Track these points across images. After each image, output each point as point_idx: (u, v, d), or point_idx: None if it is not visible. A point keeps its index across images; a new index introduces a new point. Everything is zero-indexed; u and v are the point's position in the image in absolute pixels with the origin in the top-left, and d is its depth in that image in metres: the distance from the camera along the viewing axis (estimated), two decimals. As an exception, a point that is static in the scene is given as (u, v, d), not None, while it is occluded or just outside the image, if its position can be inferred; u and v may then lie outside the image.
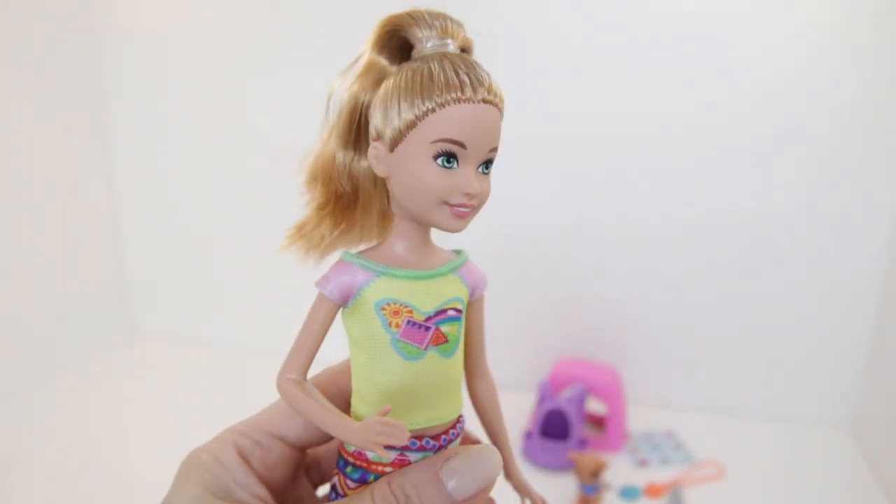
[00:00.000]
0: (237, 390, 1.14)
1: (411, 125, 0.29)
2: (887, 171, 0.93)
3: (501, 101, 0.30)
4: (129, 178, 1.27)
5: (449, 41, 0.30)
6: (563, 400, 0.93)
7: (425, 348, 0.30)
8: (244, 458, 0.32)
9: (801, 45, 0.92)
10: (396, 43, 0.31)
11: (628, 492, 0.87)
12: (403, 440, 0.27)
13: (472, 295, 0.33)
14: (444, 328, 0.31)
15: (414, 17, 0.30)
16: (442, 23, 0.30)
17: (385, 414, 0.27)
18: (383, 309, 0.30)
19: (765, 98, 0.95)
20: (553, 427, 0.94)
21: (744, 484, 0.90)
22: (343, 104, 0.31)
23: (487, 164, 0.30)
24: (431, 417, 0.31)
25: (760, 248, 1.00)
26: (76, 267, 1.21)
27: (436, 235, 0.33)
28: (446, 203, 0.30)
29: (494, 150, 0.31)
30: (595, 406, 1.02)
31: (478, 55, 0.33)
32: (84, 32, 1.17)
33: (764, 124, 0.96)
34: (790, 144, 0.96)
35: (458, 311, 0.32)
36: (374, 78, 0.31)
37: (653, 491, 0.87)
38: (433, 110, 0.28)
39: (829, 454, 0.97)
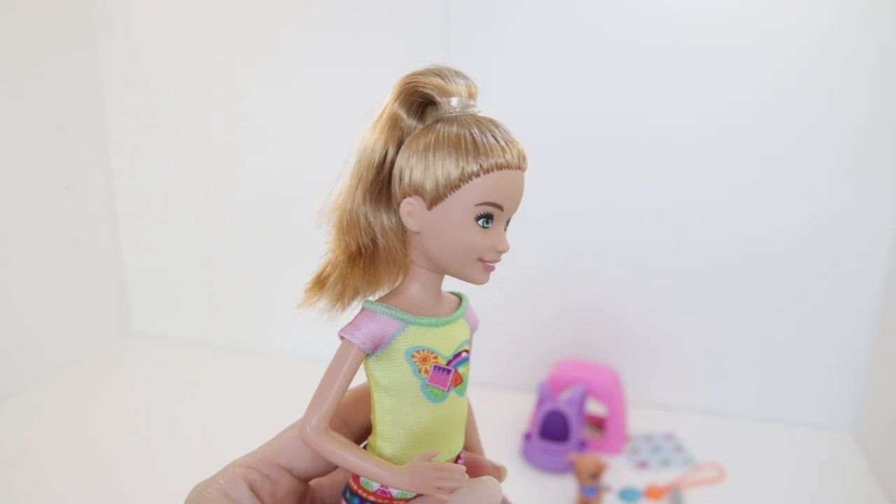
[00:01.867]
0: (233, 390, 1.15)
1: (455, 186, 0.30)
2: (888, 172, 0.93)
3: (527, 164, 0.32)
4: (126, 178, 1.27)
5: (472, 101, 0.32)
6: (563, 401, 0.93)
7: (447, 390, 0.32)
8: (255, 493, 0.31)
9: (802, 47, 0.92)
10: (419, 98, 0.32)
11: (628, 494, 0.86)
12: (463, 482, 0.29)
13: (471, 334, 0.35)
14: (461, 369, 0.33)
15: (439, 74, 0.31)
16: (465, 82, 0.32)
17: (432, 457, 0.29)
18: (413, 356, 0.32)
19: (765, 100, 0.95)
20: (553, 428, 0.93)
21: (744, 486, 0.89)
22: (373, 159, 0.32)
23: (508, 221, 0.33)
24: (449, 451, 0.33)
25: (761, 251, 1.00)
26: (74, 267, 1.21)
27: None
28: (480, 259, 0.32)
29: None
30: (595, 407, 1.02)
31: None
32: (81, 32, 1.17)
33: (764, 126, 0.96)
34: (789, 145, 0.95)
35: (468, 351, 0.34)
36: (398, 134, 0.32)
37: (653, 493, 0.86)
38: (478, 174, 0.30)
39: (830, 457, 0.97)
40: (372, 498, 0.32)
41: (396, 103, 0.32)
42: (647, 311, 1.06)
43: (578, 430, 0.92)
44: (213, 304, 1.30)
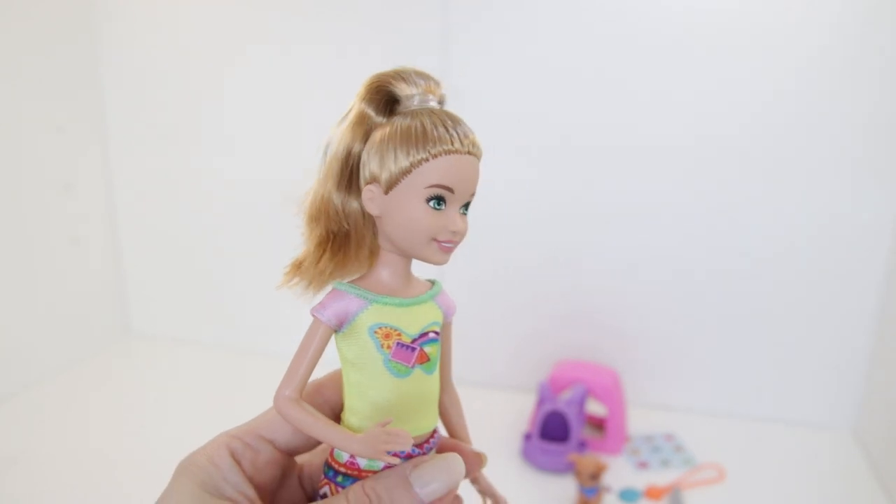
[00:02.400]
0: (232, 390, 1.14)
1: (407, 171, 0.33)
2: (888, 172, 0.93)
3: (481, 152, 0.35)
4: (126, 178, 1.27)
5: (431, 97, 0.34)
6: (563, 402, 0.93)
7: (412, 367, 0.34)
8: (235, 460, 0.34)
9: (802, 47, 0.92)
10: (384, 97, 0.34)
11: (628, 494, 0.86)
12: (408, 445, 0.30)
13: (444, 319, 0.37)
14: (427, 349, 0.35)
15: (402, 76, 0.34)
16: (425, 82, 0.34)
17: (385, 425, 0.31)
18: (376, 332, 0.34)
19: (765, 100, 0.95)
20: (553, 429, 0.93)
21: (744, 487, 0.89)
22: (338, 152, 0.35)
23: (466, 205, 0.35)
24: (416, 427, 0.35)
25: (761, 251, 1.00)
26: (74, 267, 1.21)
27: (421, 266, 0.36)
28: (435, 240, 0.34)
29: (473, 194, 0.35)
30: (595, 408, 1.02)
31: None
32: (81, 31, 1.17)
33: (764, 126, 0.96)
34: (789, 146, 0.95)
35: (437, 333, 0.36)
36: (364, 129, 0.34)
37: (653, 493, 0.86)
38: (427, 159, 0.32)
39: (831, 457, 0.97)
40: (343, 469, 0.34)
41: (363, 102, 0.34)
42: (646, 312, 1.06)
43: (578, 431, 0.92)
44: (213, 304, 1.30)
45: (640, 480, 0.90)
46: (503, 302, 1.11)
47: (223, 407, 1.07)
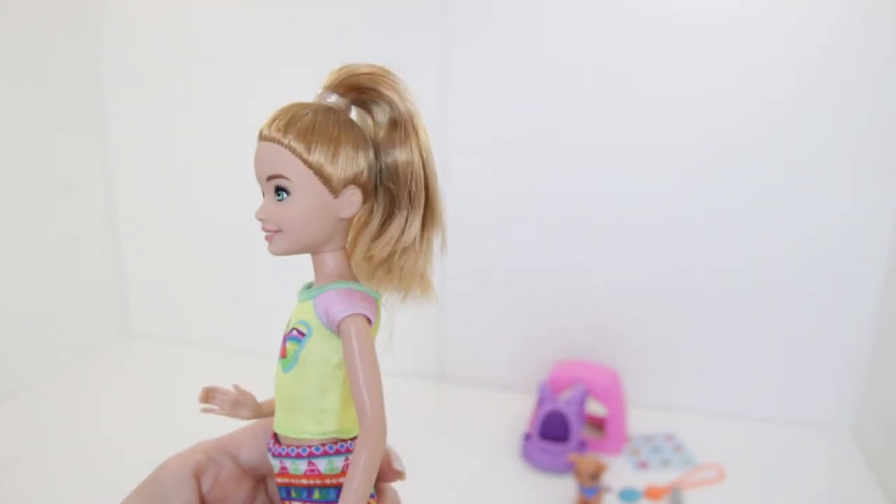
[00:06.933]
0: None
1: None
2: (889, 172, 0.93)
3: (286, 136, 0.32)
4: (126, 178, 1.27)
5: (324, 92, 0.37)
6: (563, 402, 0.93)
7: (281, 358, 0.35)
8: (196, 473, 0.34)
9: (802, 48, 0.92)
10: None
11: (628, 494, 0.86)
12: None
13: (324, 322, 0.33)
14: (287, 344, 0.34)
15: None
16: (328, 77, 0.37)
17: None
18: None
19: (765, 99, 0.95)
20: (553, 429, 0.93)
21: (744, 486, 0.89)
22: None
23: (279, 191, 0.33)
24: (278, 424, 0.35)
25: (761, 251, 1.00)
26: (74, 267, 1.21)
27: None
28: None
29: (274, 177, 0.32)
30: (595, 408, 1.02)
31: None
32: (82, 31, 1.17)
33: (763, 126, 0.96)
34: (790, 146, 0.95)
35: (301, 332, 0.34)
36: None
37: (653, 493, 0.86)
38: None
39: (830, 457, 0.97)
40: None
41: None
42: (647, 312, 1.06)
43: (578, 431, 0.92)
44: (213, 304, 1.29)
45: (640, 480, 0.90)
46: (504, 302, 1.11)
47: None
